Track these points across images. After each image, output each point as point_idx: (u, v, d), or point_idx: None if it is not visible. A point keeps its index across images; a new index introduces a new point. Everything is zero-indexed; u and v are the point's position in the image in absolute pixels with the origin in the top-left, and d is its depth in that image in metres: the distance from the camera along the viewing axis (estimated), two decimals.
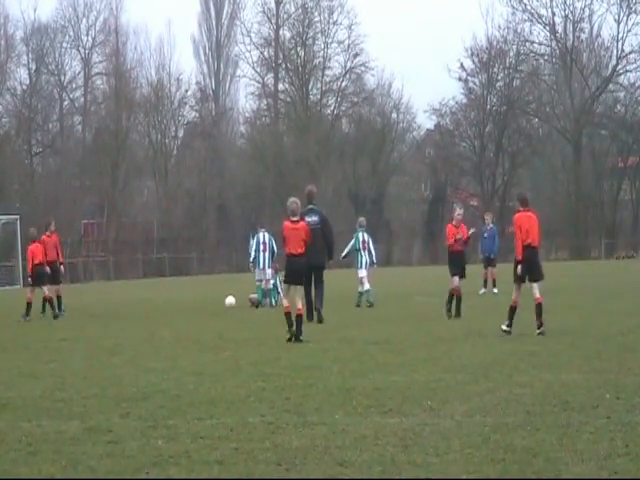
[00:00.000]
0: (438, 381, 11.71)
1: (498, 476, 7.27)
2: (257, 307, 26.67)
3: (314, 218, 21.78)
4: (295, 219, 17.74)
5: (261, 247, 27.00)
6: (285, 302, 17.68)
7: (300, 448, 8.26)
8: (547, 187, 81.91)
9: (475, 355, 14.23)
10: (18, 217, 56.50)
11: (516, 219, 17.78)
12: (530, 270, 17.64)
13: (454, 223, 21.67)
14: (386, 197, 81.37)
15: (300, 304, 17.39)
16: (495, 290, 29.73)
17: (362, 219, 27.88)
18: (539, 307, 17.39)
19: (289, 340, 16.96)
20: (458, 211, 22.25)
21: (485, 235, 31.51)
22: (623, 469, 7.32)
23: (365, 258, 26.72)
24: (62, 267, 27.02)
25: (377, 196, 78.90)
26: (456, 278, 21.08)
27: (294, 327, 17.09)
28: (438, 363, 13.41)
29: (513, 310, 17.49)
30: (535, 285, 17.66)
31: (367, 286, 26.30)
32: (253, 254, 27.06)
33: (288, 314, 17.18)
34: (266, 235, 27.27)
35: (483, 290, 30.10)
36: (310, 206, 22.13)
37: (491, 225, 32.09)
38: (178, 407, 10.46)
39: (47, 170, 77.51)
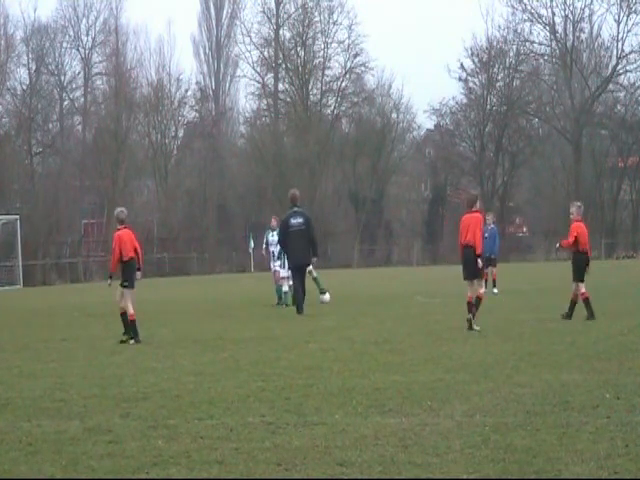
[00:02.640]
0: (438, 381, 11.72)
1: (498, 476, 7.27)
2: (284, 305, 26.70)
3: (299, 220, 23.18)
4: (122, 227, 18.53)
5: None
6: (128, 306, 18.07)
7: (300, 448, 8.26)
8: (547, 187, 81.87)
9: (475, 355, 14.23)
10: (18, 217, 56.52)
11: (461, 220, 18.76)
12: (468, 267, 18.40)
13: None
14: (386, 197, 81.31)
15: (132, 309, 18.04)
16: (495, 290, 29.71)
17: None
18: (469, 305, 18.14)
19: (124, 342, 17.67)
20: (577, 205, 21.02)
21: (486, 235, 31.36)
22: (623, 469, 7.32)
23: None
24: None
25: (377, 196, 78.86)
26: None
27: (134, 329, 17.84)
28: (438, 363, 13.41)
29: (471, 305, 18.12)
30: (475, 282, 18.54)
31: (286, 288, 26.38)
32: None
33: (124, 314, 17.92)
34: None
35: (483, 290, 30.03)
36: (295, 209, 23.48)
37: (492, 225, 32.00)
38: (178, 407, 10.47)
39: (47, 170, 77.37)
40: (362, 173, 79.79)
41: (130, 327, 17.93)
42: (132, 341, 17.75)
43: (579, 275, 19.93)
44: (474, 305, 18.20)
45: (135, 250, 18.41)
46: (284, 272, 26.49)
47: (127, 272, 18.27)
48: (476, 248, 18.29)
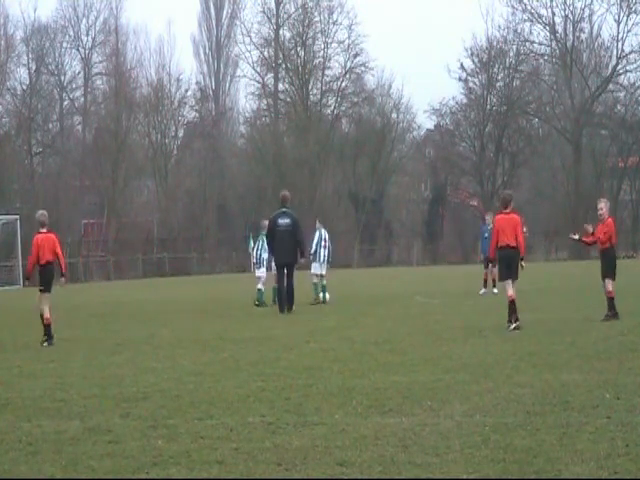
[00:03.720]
0: (438, 381, 11.72)
1: (498, 476, 7.27)
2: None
3: (286, 220, 24.28)
4: (44, 230, 18.56)
5: (322, 243, 27.68)
6: (44, 309, 18.34)
7: (300, 448, 8.26)
8: (547, 187, 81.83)
9: (475, 355, 14.23)
10: (18, 217, 56.53)
11: (495, 221, 18.92)
12: (508, 268, 18.37)
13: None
14: (386, 197, 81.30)
15: (48, 313, 18.38)
16: (495, 290, 29.69)
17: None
18: (512, 305, 18.01)
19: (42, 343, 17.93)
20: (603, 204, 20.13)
21: (485, 235, 31.42)
22: (623, 469, 7.32)
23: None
24: None
25: (377, 196, 78.83)
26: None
27: (48, 332, 18.12)
28: (438, 363, 13.41)
29: (513, 305, 18.01)
30: (510, 282, 18.38)
31: (260, 286, 27.24)
32: (314, 247, 27.70)
33: (49, 325, 18.15)
34: (326, 233, 28.11)
35: (483, 290, 30.08)
36: (283, 209, 24.56)
37: (491, 225, 31.97)
38: (178, 407, 10.47)
39: (47, 170, 77.38)
40: (362, 173, 79.77)
41: (45, 329, 18.11)
42: (46, 343, 17.93)
43: (612, 272, 19.77)
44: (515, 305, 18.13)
45: (56, 255, 18.50)
46: (261, 272, 27.48)
47: (44, 276, 18.42)
48: (520, 249, 18.34)
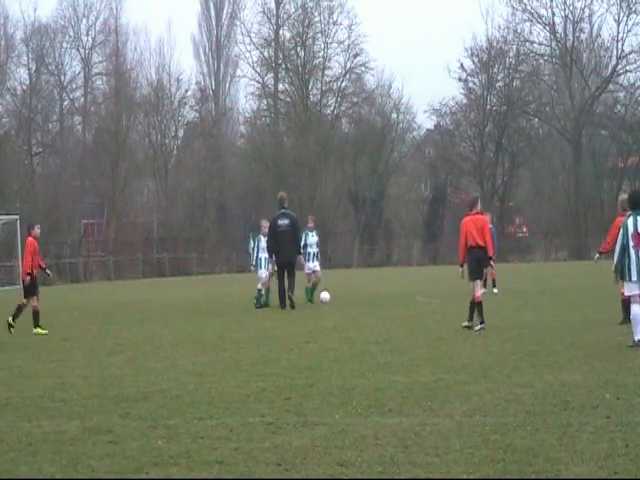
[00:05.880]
0: (438, 381, 11.72)
1: (498, 476, 7.27)
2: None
3: (285, 221, 25.15)
4: None
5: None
6: None
7: (300, 448, 8.26)
8: (547, 187, 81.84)
9: (475, 355, 14.23)
10: (18, 217, 56.53)
11: (462, 223, 18.87)
12: (477, 268, 18.58)
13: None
14: (386, 197, 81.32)
15: None
16: (495, 290, 29.70)
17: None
18: (479, 306, 18.23)
19: None
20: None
21: None
22: (623, 469, 7.32)
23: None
24: None
25: (377, 196, 78.83)
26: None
27: None
28: (438, 363, 13.41)
29: (481, 306, 18.23)
30: (478, 283, 18.62)
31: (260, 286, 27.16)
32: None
33: None
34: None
35: (483, 290, 30.03)
36: (282, 210, 25.36)
37: (490, 225, 31.93)
38: (178, 407, 10.47)
39: (47, 170, 77.41)
40: (362, 173, 79.77)
41: None
42: None
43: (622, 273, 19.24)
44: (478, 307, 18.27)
45: None
46: (260, 273, 27.07)
47: None
48: (488, 250, 18.44)
